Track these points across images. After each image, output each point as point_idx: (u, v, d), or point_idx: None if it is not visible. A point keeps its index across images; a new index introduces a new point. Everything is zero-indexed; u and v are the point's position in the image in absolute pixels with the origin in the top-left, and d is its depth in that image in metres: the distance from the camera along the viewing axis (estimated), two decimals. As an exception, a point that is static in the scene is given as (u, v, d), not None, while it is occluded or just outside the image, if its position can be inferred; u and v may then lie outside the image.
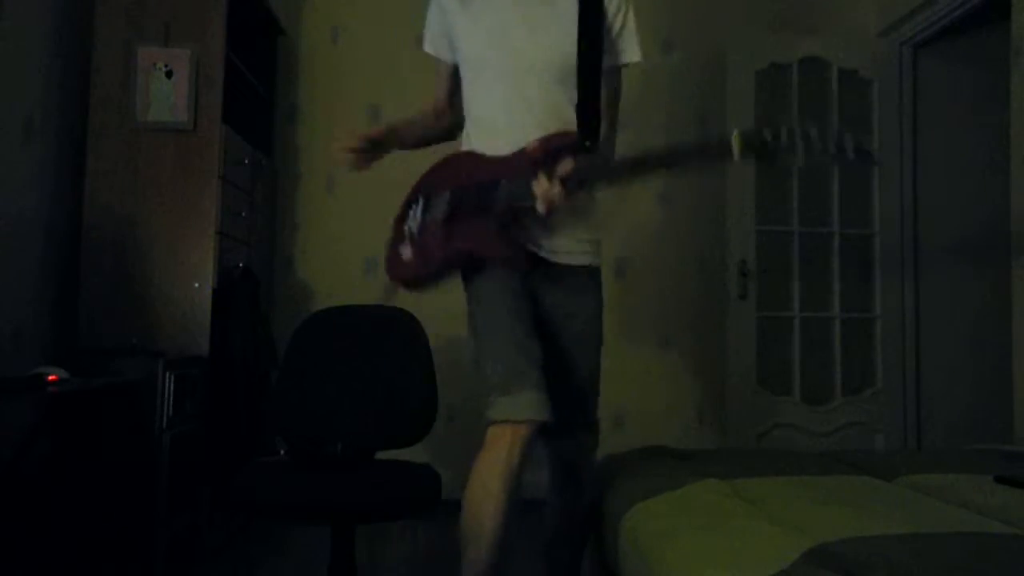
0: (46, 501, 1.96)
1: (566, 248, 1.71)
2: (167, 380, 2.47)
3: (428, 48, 1.86)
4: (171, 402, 2.48)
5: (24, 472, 1.87)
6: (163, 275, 2.77)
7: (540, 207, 1.54)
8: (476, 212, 1.65)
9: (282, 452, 2.33)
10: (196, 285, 2.78)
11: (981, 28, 3.50)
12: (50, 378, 2.17)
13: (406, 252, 1.75)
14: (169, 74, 2.80)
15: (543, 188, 1.53)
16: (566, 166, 1.54)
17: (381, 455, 2.21)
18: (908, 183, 3.66)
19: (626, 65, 1.74)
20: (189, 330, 2.76)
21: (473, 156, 1.74)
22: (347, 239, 3.64)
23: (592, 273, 1.79)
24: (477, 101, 1.77)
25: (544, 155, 1.60)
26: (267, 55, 3.57)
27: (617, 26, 1.69)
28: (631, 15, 1.71)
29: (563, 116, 1.66)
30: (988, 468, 1.86)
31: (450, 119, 1.90)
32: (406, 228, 1.79)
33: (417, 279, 1.75)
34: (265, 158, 3.44)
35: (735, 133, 1.33)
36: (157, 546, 2.41)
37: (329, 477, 2.04)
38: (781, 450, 2.76)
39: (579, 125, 1.65)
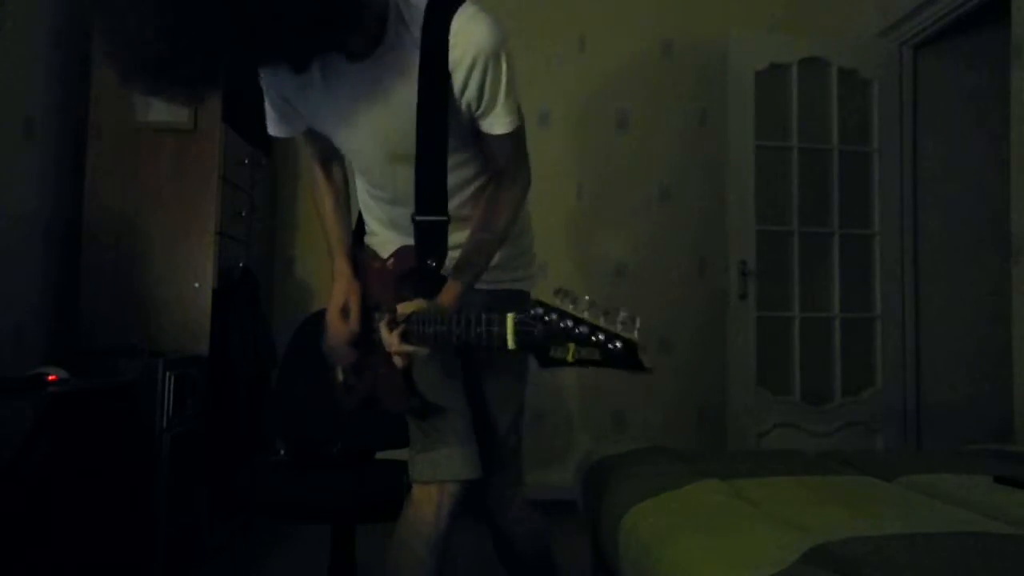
0: (46, 501, 1.96)
1: (491, 276, 1.50)
2: (167, 380, 2.47)
3: (277, 132, 1.52)
4: (171, 402, 2.48)
5: (24, 472, 1.87)
6: (163, 275, 2.78)
7: (395, 361, 1.33)
8: (372, 347, 1.44)
9: (282, 452, 2.33)
10: (196, 285, 2.78)
11: (981, 28, 3.50)
12: (50, 378, 2.17)
13: (339, 373, 1.57)
14: (169, 74, 2.79)
15: (387, 341, 1.32)
16: (404, 312, 1.31)
17: (381, 455, 2.21)
18: (908, 183, 3.66)
19: (498, 135, 1.38)
20: (189, 330, 2.76)
21: (367, 259, 1.57)
22: (347, 239, 3.64)
23: (516, 298, 1.58)
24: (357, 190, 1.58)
25: (399, 277, 1.42)
26: (267, 55, 3.57)
27: (487, 95, 1.31)
28: (503, 77, 1.30)
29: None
30: (988, 468, 1.86)
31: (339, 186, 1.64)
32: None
33: (352, 409, 1.57)
34: (265, 158, 3.44)
35: (510, 319, 1.08)
36: (157, 546, 2.41)
37: (329, 477, 2.04)
38: (781, 450, 2.75)
39: (417, 241, 1.38)
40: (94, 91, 2.80)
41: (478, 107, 1.33)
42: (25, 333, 2.58)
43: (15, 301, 2.54)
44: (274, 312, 3.52)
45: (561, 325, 1.01)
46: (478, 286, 1.48)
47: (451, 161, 1.37)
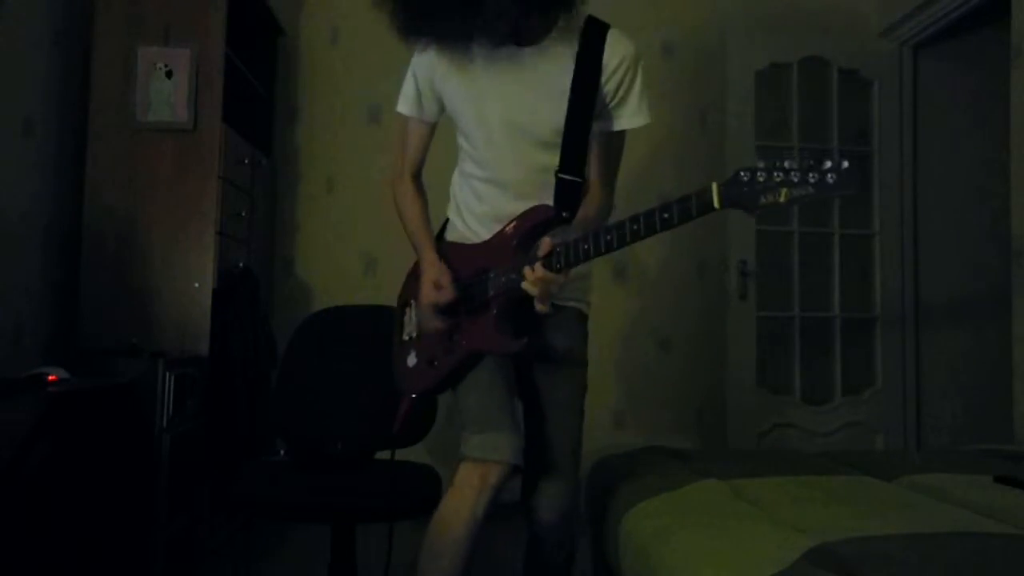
0: (46, 501, 1.96)
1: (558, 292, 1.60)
2: (167, 380, 2.47)
3: (408, 110, 1.74)
4: (171, 402, 2.48)
5: (24, 472, 1.87)
6: (163, 275, 2.77)
7: (538, 305, 1.49)
8: (473, 309, 1.61)
9: (282, 452, 2.33)
10: (196, 285, 2.78)
11: (981, 28, 3.51)
12: (50, 378, 2.17)
13: (411, 359, 1.71)
14: (169, 74, 2.80)
15: (531, 278, 1.47)
16: (544, 247, 1.48)
17: (381, 455, 2.21)
18: (908, 183, 3.66)
19: (622, 131, 1.67)
20: (189, 330, 2.76)
21: (456, 248, 1.71)
22: (347, 239, 3.64)
23: (578, 316, 1.76)
24: (467, 170, 1.73)
25: (523, 234, 1.57)
26: (267, 55, 3.57)
27: (621, 93, 1.61)
28: (638, 81, 1.62)
29: (549, 185, 1.61)
30: (988, 468, 1.86)
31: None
32: (406, 335, 1.75)
33: (428, 389, 1.69)
34: (265, 158, 3.44)
35: (714, 185, 1.25)
36: (156, 546, 2.41)
37: (329, 477, 2.04)
38: (781, 450, 2.76)
39: (556, 195, 1.60)
40: (94, 91, 2.80)
41: (614, 97, 1.61)
42: (25, 333, 2.58)
43: (15, 301, 2.54)
44: (274, 312, 3.52)
45: (772, 178, 1.15)
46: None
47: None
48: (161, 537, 2.43)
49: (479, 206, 1.70)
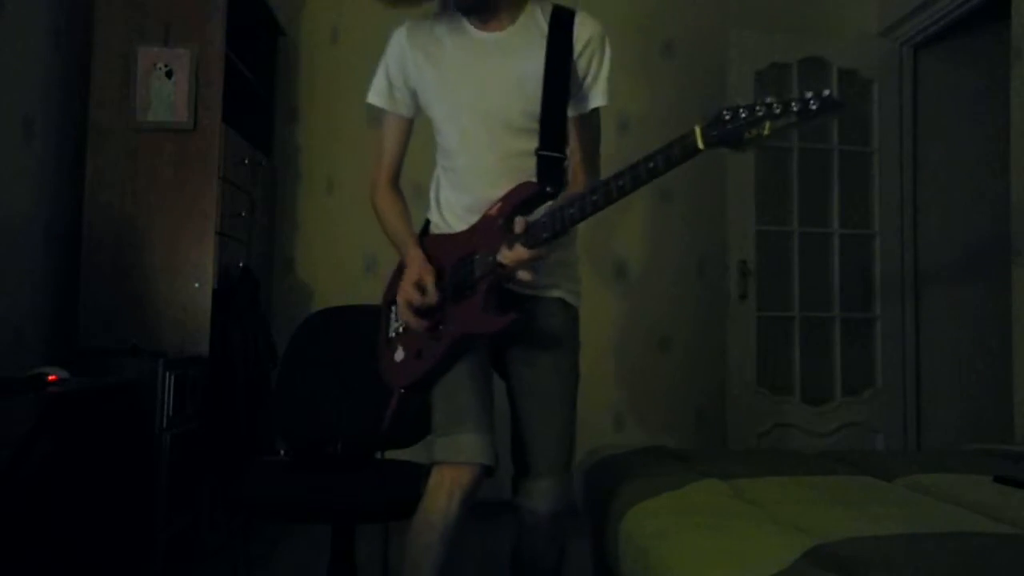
0: (46, 501, 1.96)
1: (539, 281, 1.60)
2: (167, 380, 2.47)
3: (379, 101, 1.74)
4: (171, 402, 2.49)
5: (24, 472, 1.87)
6: (163, 275, 2.78)
7: (522, 275, 1.51)
8: (460, 295, 1.59)
9: (282, 452, 2.33)
10: (196, 285, 2.78)
11: (981, 28, 3.50)
12: (50, 378, 2.17)
13: (399, 354, 1.68)
14: (169, 74, 2.80)
15: (507, 257, 1.48)
16: (519, 226, 1.48)
17: (382, 455, 2.21)
18: (908, 183, 3.66)
19: (596, 109, 1.69)
20: (189, 330, 2.76)
21: (439, 239, 1.70)
22: (347, 239, 3.64)
23: (565, 308, 1.72)
24: (444, 165, 1.73)
25: (508, 213, 1.54)
26: (267, 55, 3.57)
27: (593, 70, 1.64)
28: (607, 58, 1.66)
29: (526, 170, 1.60)
30: (988, 468, 1.86)
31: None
32: (392, 331, 1.72)
33: (416, 380, 1.65)
34: (265, 158, 3.44)
35: (697, 127, 1.31)
36: (157, 546, 2.41)
37: (329, 477, 2.04)
38: (781, 450, 2.76)
39: (539, 171, 1.59)
40: (94, 91, 2.80)
41: (586, 76, 1.64)
42: (25, 333, 2.58)
43: (15, 301, 2.54)
44: (274, 312, 3.52)
45: (756, 113, 1.19)
46: (531, 292, 1.63)
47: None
48: (161, 537, 2.43)
49: (458, 198, 1.69)
